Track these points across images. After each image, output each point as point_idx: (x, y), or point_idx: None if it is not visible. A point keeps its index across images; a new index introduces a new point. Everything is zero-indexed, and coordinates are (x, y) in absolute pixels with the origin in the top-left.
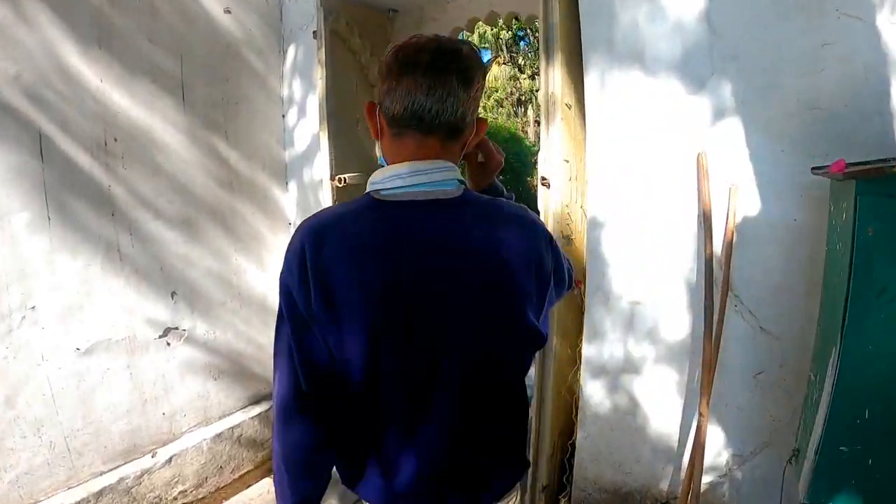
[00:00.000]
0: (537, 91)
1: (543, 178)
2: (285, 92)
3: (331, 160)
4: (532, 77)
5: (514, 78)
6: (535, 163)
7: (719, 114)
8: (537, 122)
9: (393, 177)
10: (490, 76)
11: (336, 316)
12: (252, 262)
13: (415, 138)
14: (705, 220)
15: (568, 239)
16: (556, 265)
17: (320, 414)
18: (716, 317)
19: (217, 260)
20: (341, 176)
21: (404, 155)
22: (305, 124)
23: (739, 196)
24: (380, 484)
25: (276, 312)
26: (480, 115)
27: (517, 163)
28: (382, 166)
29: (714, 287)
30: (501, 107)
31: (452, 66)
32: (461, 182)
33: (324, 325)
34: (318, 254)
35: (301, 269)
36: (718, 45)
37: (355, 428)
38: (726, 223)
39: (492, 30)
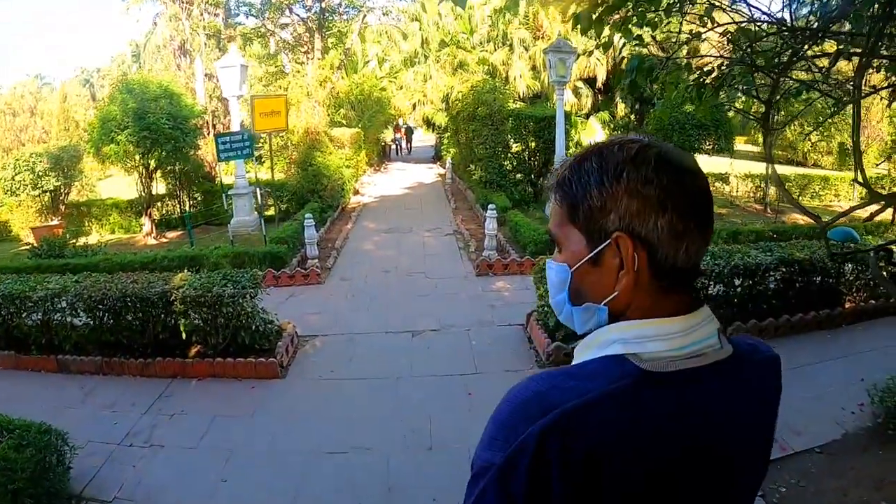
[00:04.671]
0: (216, 34)
1: None
2: None
3: None
4: (203, 15)
5: (176, 18)
6: (197, 131)
7: None
8: (209, 76)
9: (666, 334)
10: (134, 18)
11: None
12: None
13: (683, 296)
14: None
15: None
16: None
17: None
18: None
19: None
20: None
21: (668, 313)
22: None
23: None
24: None
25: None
26: None
27: (174, 129)
28: (593, 315)
29: None
30: (161, 58)
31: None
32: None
33: None
34: (571, 452)
35: (537, 469)
36: None
37: None
38: None
39: None
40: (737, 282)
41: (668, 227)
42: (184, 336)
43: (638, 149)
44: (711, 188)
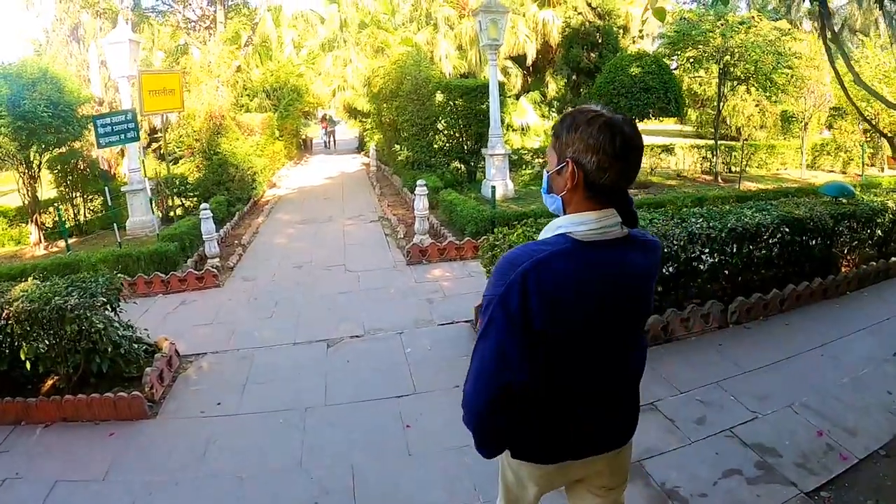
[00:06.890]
0: (110, 14)
1: None
2: None
3: None
4: None
5: None
6: (85, 122)
7: None
8: (106, 63)
9: (586, 221)
10: (23, 3)
11: (557, 330)
12: None
13: (602, 202)
14: None
15: None
16: None
17: (519, 403)
18: None
19: None
20: None
21: (589, 209)
22: None
23: None
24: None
25: (483, 321)
26: None
27: (54, 117)
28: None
29: None
30: (48, 39)
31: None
32: (622, 223)
33: (543, 336)
34: (540, 283)
35: (523, 295)
36: None
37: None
38: None
39: None
40: (727, 248)
41: (597, 163)
42: (28, 367)
43: (592, 116)
44: (657, 160)
